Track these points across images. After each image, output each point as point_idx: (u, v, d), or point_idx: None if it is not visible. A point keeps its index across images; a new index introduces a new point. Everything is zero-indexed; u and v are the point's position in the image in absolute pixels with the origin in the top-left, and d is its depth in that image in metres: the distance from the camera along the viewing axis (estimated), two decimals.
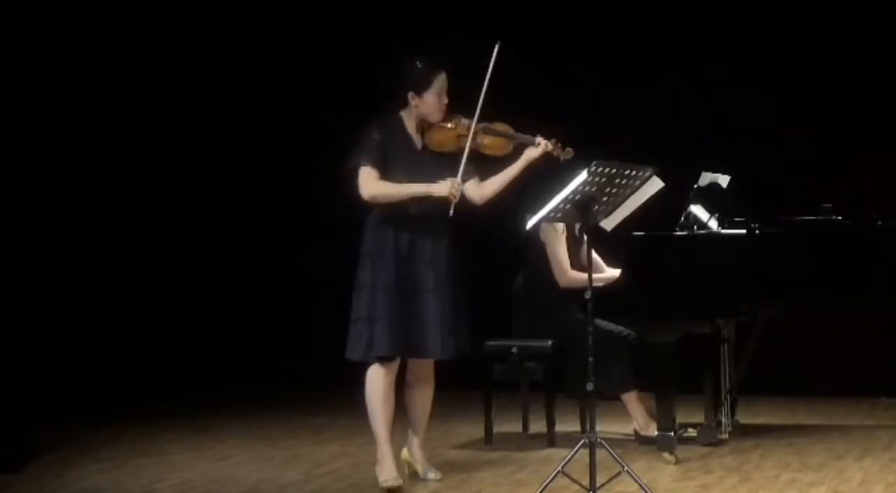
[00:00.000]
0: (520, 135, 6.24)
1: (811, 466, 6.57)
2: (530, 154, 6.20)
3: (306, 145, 9.47)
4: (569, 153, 6.20)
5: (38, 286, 9.52)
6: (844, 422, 7.87)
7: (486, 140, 6.20)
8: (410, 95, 6.19)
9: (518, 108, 6.28)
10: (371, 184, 6.12)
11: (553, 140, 6.20)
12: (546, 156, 6.20)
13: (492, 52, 6.06)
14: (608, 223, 6.43)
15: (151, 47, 9.80)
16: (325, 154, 6.45)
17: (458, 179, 6.11)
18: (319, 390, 8.99)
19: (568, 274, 7.14)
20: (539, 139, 6.20)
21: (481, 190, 6.30)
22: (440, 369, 6.37)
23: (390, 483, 6.17)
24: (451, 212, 6.12)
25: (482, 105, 6.10)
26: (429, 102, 6.18)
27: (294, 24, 9.75)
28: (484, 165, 6.30)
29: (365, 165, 6.12)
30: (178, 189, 9.99)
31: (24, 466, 6.89)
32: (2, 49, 9.02)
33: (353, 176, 6.16)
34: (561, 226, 7.13)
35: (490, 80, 6.06)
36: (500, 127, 6.25)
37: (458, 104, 6.22)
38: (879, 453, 6.88)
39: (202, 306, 10.09)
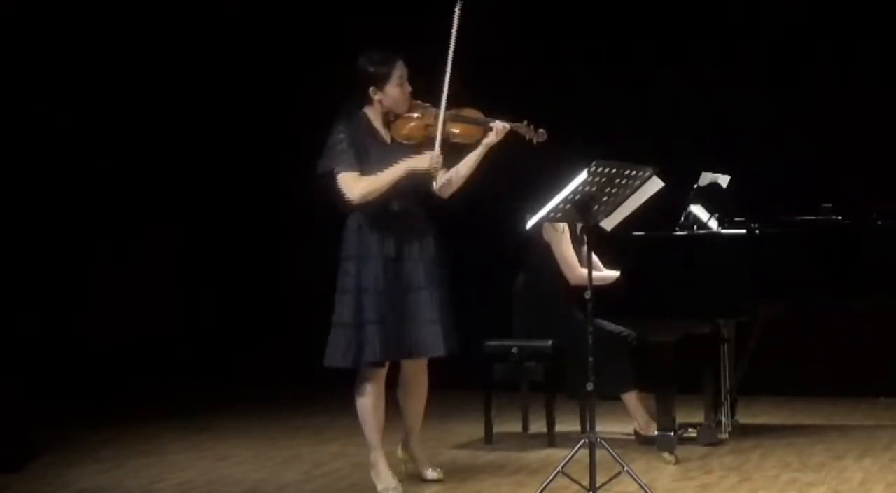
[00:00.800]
0: (488, 119, 6.11)
1: (811, 466, 6.57)
2: (488, 140, 6.10)
3: (306, 145, 9.44)
4: (542, 136, 6.07)
5: (39, 286, 9.52)
6: (844, 422, 7.87)
7: (456, 129, 6.07)
8: (371, 89, 6.06)
9: (518, 107, 6.26)
10: (354, 186, 5.99)
11: (524, 122, 6.09)
12: (518, 139, 6.07)
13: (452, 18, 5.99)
14: (608, 223, 6.43)
15: (150, 48, 9.81)
16: (324, 154, 6.42)
17: (437, 152, 5.99)
18: (319, 391, 8.95)
19: (577, 271, 7.06)
20: (497, 123, 6.07)
21: (448, 185, 6.19)
22: (440, 368, 6.33)
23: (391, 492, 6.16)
24: (435, 186, 6.05)
25: (447, 92, 5.98)
26: (391, 94, 6.07)
27: (291, 24, 9.74)
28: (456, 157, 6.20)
29: (342, 171, 5.99)
30: (178, 189, 9.99)
31: (24, 466, 6.90)
32: (2, 49, 9.03)
33: (332, 183, 6.03)
34: (562, 225, 7.11)
35: (455, 50, 5.95)
36: (468, 113, 6.13)
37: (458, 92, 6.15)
38: (879, 453, 6.88)
39: (202, 306, 10.09)
